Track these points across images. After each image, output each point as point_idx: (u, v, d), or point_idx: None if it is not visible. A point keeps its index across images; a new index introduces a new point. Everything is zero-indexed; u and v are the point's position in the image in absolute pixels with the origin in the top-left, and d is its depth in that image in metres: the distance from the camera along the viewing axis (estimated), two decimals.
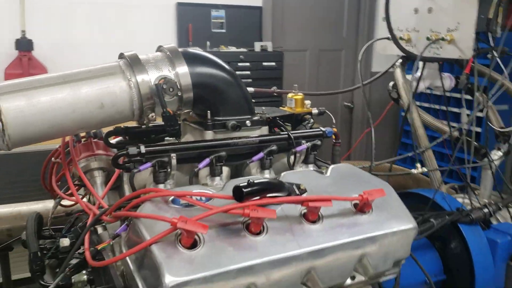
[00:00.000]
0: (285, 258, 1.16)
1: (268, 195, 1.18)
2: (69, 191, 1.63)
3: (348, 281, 1.31)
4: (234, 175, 1.52)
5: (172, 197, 1.17)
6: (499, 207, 1.96)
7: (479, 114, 2.28)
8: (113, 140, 1.60)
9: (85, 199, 1.72)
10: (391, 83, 2.39)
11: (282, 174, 1.36)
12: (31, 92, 1.22)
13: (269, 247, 1.16)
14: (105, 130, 1.62)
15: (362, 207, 1.30)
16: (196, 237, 1.10)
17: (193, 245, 1.10)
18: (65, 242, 1.43)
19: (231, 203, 1.15)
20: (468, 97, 2.18)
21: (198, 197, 1.18)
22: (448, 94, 2.77)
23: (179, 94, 1.35)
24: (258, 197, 1.16)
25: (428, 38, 1.93)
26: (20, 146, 1.24)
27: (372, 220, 1.31)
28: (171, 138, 1.57)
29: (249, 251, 1.14)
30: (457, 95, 3.41)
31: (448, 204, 1.99)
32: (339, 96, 5.78)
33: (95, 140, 1.63)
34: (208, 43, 4.59)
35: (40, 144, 1.31)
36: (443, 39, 1.88)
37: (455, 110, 3.15)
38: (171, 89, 1.32)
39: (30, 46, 3.95)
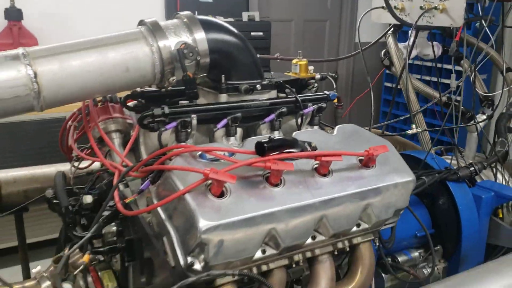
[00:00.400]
0: (301, 206, 1.29)
1: (286, 150, 1.30)
2: (87, 152, 1.73)
3: (354, 228, 1.45)
4: (245, 135, 1.63)
5: (200, 152, 1.28)
6: (484, 166, 2.12)
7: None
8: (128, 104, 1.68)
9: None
10: (383, 51, 2.51)
11: (294, 133, 1.48)
12: (63, 57, 1.30)
13: (287, 196, 1.29)
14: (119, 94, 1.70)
15: (367, 162, 1.44)
16: (223, 187, 1.22)
17: (221, 195, 1.21)
18: (88, 199, 1.54)
19: (253, 158, 1.27)
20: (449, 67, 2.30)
21: (222, 153, 1.30)
22: (430, 64, 2.91)
23: (198, 59, 1.44)
24: (277, 152, 1.28)
25: (421, 7, 2.04)
26: (52, 107, 1.33)
27: (376, 174, 1.44)
28: (185, 102, 1.66)
29: (270, 200, 1.26)
30: (446, 66, 3.55)
31: (437, 164, 2.15)
32: (323, 66, 5.89)
33: (111, 104, 1.71)
34: (196, 13, 4.62)
35: (36, 114, 1.36)
36: (435, 8, 2.00)
37: (443, 80, 3.30)
38: (191, 54, 1.41)
39: (19, 16, 3.94)
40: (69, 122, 1.78)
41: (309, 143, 1.40)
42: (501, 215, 2.22)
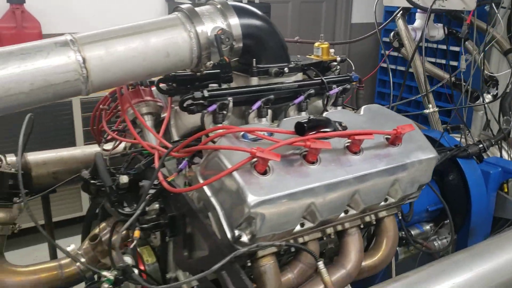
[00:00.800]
0: (337, 182, 1.38)
1: (321, 130, 1.38)
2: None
3: (382, 203, 1.55)
4: (273, 117, 1.71)
5: (242, 133, 1.36)
6: (492, 143, 2.23)
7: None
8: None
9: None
10: (391, 33, 2.59)
11: (325, 114, 1.56)
12: (109, 42, 1.35)
13: (323, 173, 1.37)
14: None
15: (394, 140, 1.52)
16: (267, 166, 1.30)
17: (264, 173, 1.29)
18: (124, 179, 1.60)
19: (293, 137, 1.35)
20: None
21: (263, 133, 1.37)
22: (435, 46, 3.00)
23: (233, 44, 1.50)
24: (314, 132, 1.36)
25: None
26: (96, 91, 1.39)
27: (402, 151, 1.53)
28: (215, 85, 1.73)
29: (308, 177, 1.35)
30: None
31: (448, 142, 2.25)
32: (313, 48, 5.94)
33: (142, 87, 1.77)
34: None
35: None
36: None
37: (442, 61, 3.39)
38: (227, 39, 1.48)
39: None
40: (101, 106, 1.83)
41: (340, 123, 1.48)
42: (506, 190, 2.34)
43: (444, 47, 3.27)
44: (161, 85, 1.69)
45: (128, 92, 1.73)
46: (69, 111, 3.89)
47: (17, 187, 1.80)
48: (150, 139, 1.66)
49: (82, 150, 2.13)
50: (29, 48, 1.27)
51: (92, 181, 1.67)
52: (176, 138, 1.73)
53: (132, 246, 1.32)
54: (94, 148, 2.17)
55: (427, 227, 2.26)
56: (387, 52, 2.68)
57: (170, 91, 1.70)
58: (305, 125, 1.33)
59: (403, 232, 2.13)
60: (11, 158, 1.92)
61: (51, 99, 1.32)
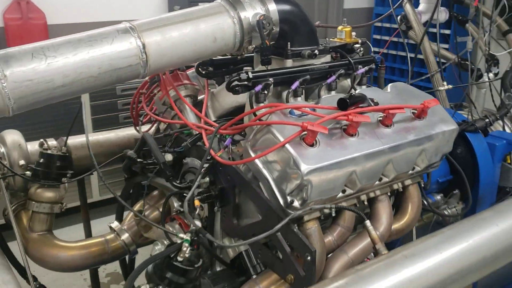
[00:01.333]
0: (374, 152, 1.53)
1: (359, 106, 1.53)
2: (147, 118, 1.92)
3: (409, 171, 1.70)
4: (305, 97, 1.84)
5: (289, 110, 1.49)
6: (497, 118, 2.39)
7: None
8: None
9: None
10: (399, 17, 2.73)
11: (357, 91, 1.70)
12: (164, 29, 1.47)
13: (362, 144, 1.52)
14: None
15: (420, 114, 1.68)
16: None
17: (311, 145, 1.43)
18: (169, 157, 1.73)
19: (334, 113, 1.49)
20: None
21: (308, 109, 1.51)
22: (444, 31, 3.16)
23: (273, 29, 1.63)
24: (354, 107, 1.51)
25: None
26: (154, 74, 1.51)
27: (428, 124, 1.69)
28: (248, 68, 1.85)
29: (350, 147, 1.49)
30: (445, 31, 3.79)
31: (456, 118, 2.41)
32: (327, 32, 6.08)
33: (179, 72, 1.89)
34: None
35: None
36: None
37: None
38: (268, 24, 1.60)
39: None
40: (141, 90, 1.95)
41: (372, 99, 1.62)
42: (509, 161, 2.51)
43: (447, 31, 3.43)
44: (200, 69, 1.81)
45: (169, 76, 1.84)
46: (77, 98, 3.96)
47: (64, 168, 1.92)
48: (190, 120, 1.79)
49: (116, 134, 2.24)
50: (95, 35, 1.39)
51: (138, 160, 1.80)
52: (213, 118, 1.86)
53: (196, 212, 1.44)
54: (126, 132, 2.29)
55: (438, 197, 2.42)
56: (392, 37, 2.82)
57: (208, 74, 1.82)
58: (347, 100, 1.48)
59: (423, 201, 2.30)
60: (51, 142, 2.03)
61: (114, 82, 1.44)
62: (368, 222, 1.45)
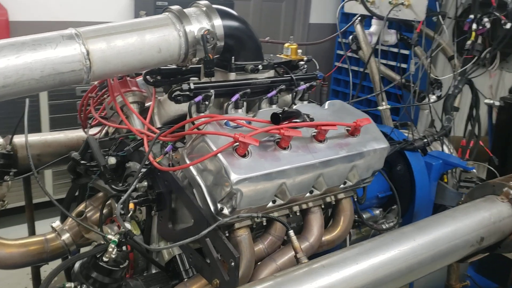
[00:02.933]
0: (305, 166, 1.61)
1: (293, 120, 1.61)
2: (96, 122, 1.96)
3: (341, 185, 1.80)
4: (246, 109, 1.92)
5: (225, 121, 1.57)
6: (435, 139, 2.53)
7: None
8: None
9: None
10: (350, 37, 2.86)
11: (294, 107, 1.79)
12: (110, 37, 1.52)
13: (294, 157, 1.60)
14: None
15: (353, 131, 1.78)
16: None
17: (243, 155, 1.51)
18: (112, 160, 1.78)
19: (269, 126, 1.57)
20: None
21: (243, 122, 1.59)
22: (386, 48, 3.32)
23: (217, 43, 1.70)
24: (287, 122, 1.59)
25: (390, 2, 2.39)
26: (96, 81, 1.56)
27: (360, 141, 1.79)
28: (195, 79, 1.92)
29: (281, 160, 1.57)
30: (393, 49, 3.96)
31: (397, 136, 2.54)
32: (278, 47, 6.22)
33: (128, 78, 1.94)
34: None
35: None
36: (402, 3, 2.35)
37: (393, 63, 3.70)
38: (212, 39, 1.67)
39: None
40: (89, 94, 1.99)
41: (308, 115, 1.71)
42: (446, 180, 2.65)
43: (396, 50, 3.58)
44: (147, 77, 1.87)
45: (117, 82, 1.89)
46: (35, 97, 3.95)
47: (6, 167, 1.94)
48: (136, 125, 1.84)
49: (65, 135, 2.27)
50: (40, 39, 1.43)
51: (82, 162, 1.84)
52: (158, 125, 1.92)
53: (129, 215, 1.50)
54: (75, 133, 2.32)
55: (377, 211, 2.53)
56: (347, 52, 2.93)
57: (155, 82, 1.88)
58: (280, 115, 1.56)
59: (357, 216, 2.40)
60: None
61: (57, 86, 1.48)
62: (291, 232, 1.53)
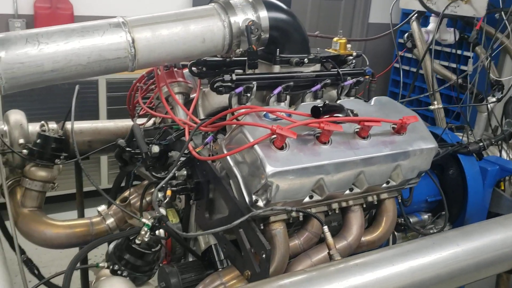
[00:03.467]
0: (345, 162, 1.57)
1: (335, 115, 1.57)
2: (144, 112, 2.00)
3: (384, 185, 1.74)
4: (290, 103, 1.90)
5: (264, 113, 1.55)
6: (491, 143, 2.39)
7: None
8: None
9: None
10: (405, 34, 2.76)
11: (339, 101, 1.75)
12: (155, 26, 1.55)
13: (333, 153, 1.56)
14: None
15: (399, 129, 1.71)
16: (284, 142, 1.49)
17: (281, 148, 1.49)
18: (155, 149, 1.81)
19: (308, 119, 1.54)
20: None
21: (282, 114, 1.57)
22: (449, 50, 3.18)
23: (261, 34, 1.69)
24: (328, 116, 1.55)
25: None
26: (141, 69, 1.59)
27: (406, 140, 1.72)
28: (240, 71, 1.92)
29: (320, 155, 1.54)
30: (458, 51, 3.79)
31: (450, 139, 2.42)
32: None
33: (175, 69, 1.97)
34: None
35: None
36: None
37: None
38: (256, 30, 1.67)
39: None
40: (138, 84, 2.04)
41: (352, 110, 1.67)
42: (503, 187, 2.50)
43: (458, 51, 3.43)
44: (193, 68, 1.89)
45: (163, 73, 1.92)
46: (94, 89, 4.12)
47: (58, 150, 2.02)
48: (180, 116, 1.86)
49: (115, 123, 2.34)
50: (88, 26, 1.48)
51: (127, 149, 1.88)
52: (202, 116, 1.93)
53: (165, 201, 1.52)
54: (125, 122, 2.38)
55: (425, 216, 2.43)
56: (400, 53, 2.84)
57: (200, 74, 1.89)
58: (320, 108, 1.53)
59: (403, 219, 2.32)
60: (52, 125, 2.14)
61: (103, 72, 1.53)
62: (325, 228, 1.49)
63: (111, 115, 4.09)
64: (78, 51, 1.44)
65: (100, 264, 1.40)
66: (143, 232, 1.38)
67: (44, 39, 1.43)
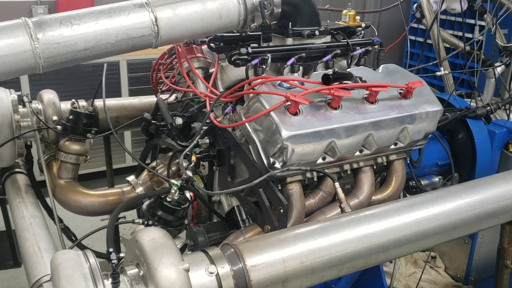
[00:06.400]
0: (354, 125, 1.70)
1: (344, 82, 1.70)
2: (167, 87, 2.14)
3: (392, 146, 1.86)
4: (303, 73, 2.02)
5: (278, 82, 1.68)
6: (499, 106, 2.49)
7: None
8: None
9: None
10: (414, 5, 2.84)
11: (348, 69, 1.87)
12: (175, 5, 1.68)
13: (344, 117, 1.69)
14: None
15: (405, 94, 1.83)
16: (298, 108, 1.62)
17: (295, 114, 1.62)
18: (179, 120, 1.95)
19: (320, 86, 1.67)
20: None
21: (296, 82, 1.69)
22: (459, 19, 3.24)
23: (274, 9, 1.81)
24: (337, 83, 1.68)
25: None
26: (163, 45, 1.73)
27: (412, 103, 1.83)
28: (255, 45, 2.04)
29: (331, 119, 1.67)
30: (469, 20, 3.84)
31: (459, 104, 2.52)
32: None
33: (194, 45, 2.11)
34: None
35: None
36: None
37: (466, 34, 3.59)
38: (269, 5, 1.79)
39: None
40: (160, 61, 2.18)
41: (360, 78, 1.79)
42: (511, 149, 2.60)
43: (471, 21, 3.48)
44: (211, 44, 2.02)
45: (183, 49, 2.06)
46: (116, 70, 4.28)
47: (89, 125, 2.19)
48: (201, 89, 2.00)
49: (140, 99, 2.49)
50: (115, 8, 1.61)
51: (153, 121, 2.03)
52: (221, 89, 2.06)
53: (191, 165, 1.67)
54: (148, 98, 2.54)
55: (436, 179, 2.55)
56: (409, 24, 2.92)
57: (218, 49, 2.02)
58: (330, 76, 1.65)
59: (413, 182, 2.44)
60: (82, 102, 2.30)
61: (129, 50, 1.67)
62: (337, 184, 1.63)
63: (132, 94, 4.25)
64: (107, 31, 1.59)
65: (136, 220, 1.56)
66: (173, 191, 1.53)
67: (76, 21, 1.57)
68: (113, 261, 1.10)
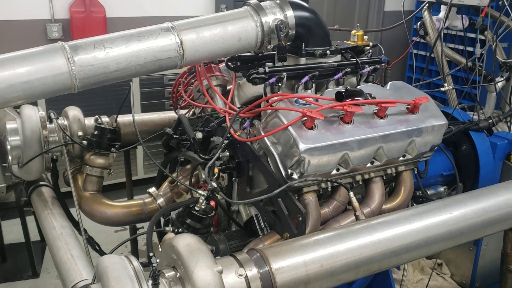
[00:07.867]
0: (366, 138, 1.82)
1: (356, 98, 1.83)
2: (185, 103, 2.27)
3: (401, 158, 1.98)
4: (316, 90, 2.15)
5: (295, 99, 1.81)
6: (500, 119, 2.61)
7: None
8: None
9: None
10: (418, 23, 2.98)
11: (358, 87, 2.00)
12: (198, 29, 1.82)
13: (356, 131, 1.82)
14: None
15: (412, 109, 1.95)
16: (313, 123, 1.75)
17: (311, 128, 1.75)
18: (199, 134, 2.08)
19: (333, 103, 1.80)
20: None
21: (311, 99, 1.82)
22: (461, 34, 3.38)
23: (289, 32, 1.95)
24: (350, 100, 1.81)
25: None
26: (187, 66, 1.86)
27: (419, 118, 1.96)
28: (270, 64, 2.18)
29: (344, 133, 1.79)
30: (470, 34, 3.98)
31: (462, 117, 2.65)
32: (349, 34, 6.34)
33: (213, 64, 2.24)
34: None
35: None
36: None
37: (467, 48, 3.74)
38: (284, 28, 1.92)
39: None
40: (180, 79, 2.32)
41: (370, 94, 1.92)
42: None
43: (472, 35, 3.62)
44: (229, 63, 2.16)
45: (203, 68, 2.19)
46: (128, 86, 4.42)
47: (113, 140, 2.31)
48: (219, 105, 2.13)
49: (159, 115, 2.63)
50: (143, 32, 1.75)
51: (174, 136, 2.16)
52: (238, 105, 2.20)
53: (214, 177, 1.79)
54: (167, 114, 2.67)
55: (441, 189, 2.66)
56: (414, 39, 3.06)
57: (235, 68, 2.16)
58: (343, 93, 1.78)
59: (421, 192, 2.55)
60: (105, 118, 2.43)
61: (157, 70, 1.80)
62: (351, 193, 1.75)
63: (144, 110, 4.38)
64: (136, 53, 1.72)
65: (167, 229, 1.68)
66: (200, 201, 1.66)
67: (108, 44, 1.71)
68: (153, 264, 1.21)
